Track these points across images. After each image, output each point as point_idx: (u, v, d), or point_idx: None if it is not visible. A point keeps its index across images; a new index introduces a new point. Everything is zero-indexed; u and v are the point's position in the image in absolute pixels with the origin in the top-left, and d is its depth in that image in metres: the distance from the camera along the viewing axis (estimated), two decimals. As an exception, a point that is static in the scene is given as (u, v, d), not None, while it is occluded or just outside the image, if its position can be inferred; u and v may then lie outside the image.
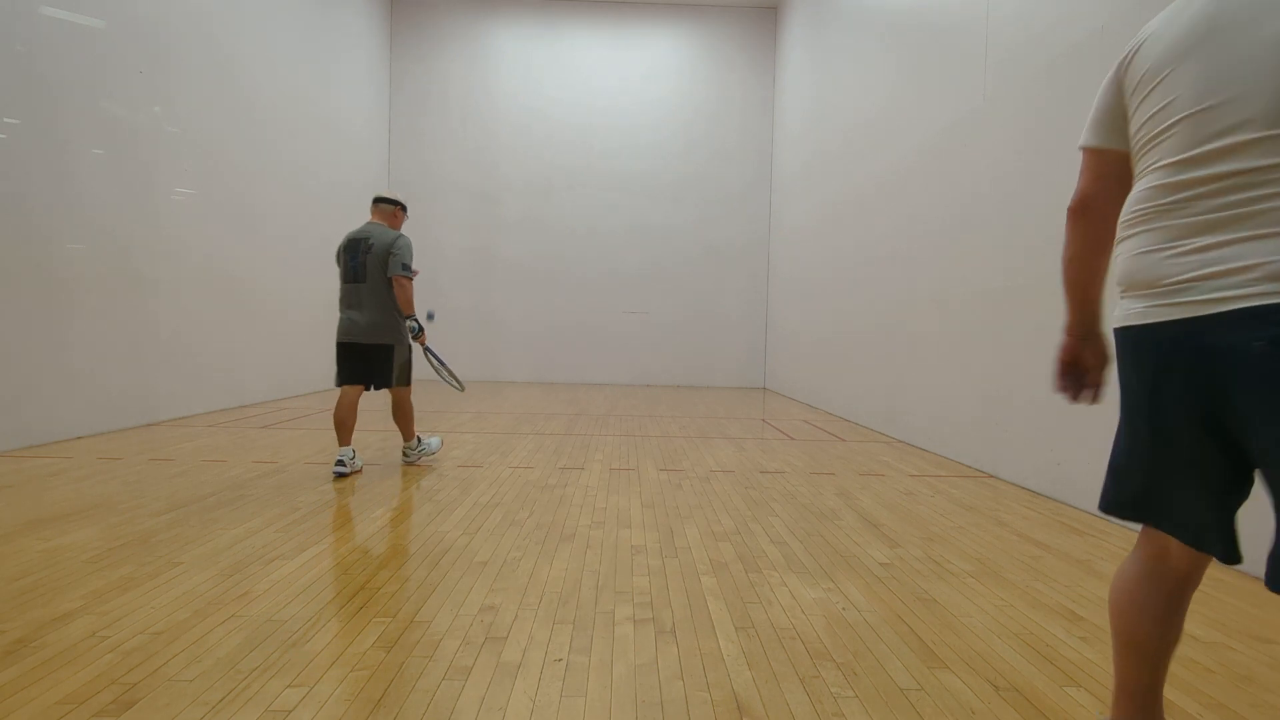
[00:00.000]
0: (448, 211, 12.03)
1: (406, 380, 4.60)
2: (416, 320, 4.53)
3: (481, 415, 7.25)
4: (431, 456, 4.90)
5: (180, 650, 1.96)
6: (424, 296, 11.83)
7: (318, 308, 9.48)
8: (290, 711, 1.67)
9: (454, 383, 5.08)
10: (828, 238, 8.73)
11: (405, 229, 6.56)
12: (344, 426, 4.29)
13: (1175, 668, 1.97)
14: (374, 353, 4.41)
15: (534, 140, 12.07)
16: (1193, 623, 2.31)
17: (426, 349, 4.84)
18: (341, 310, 4.46)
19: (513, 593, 2.47)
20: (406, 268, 4.43)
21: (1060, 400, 4.00)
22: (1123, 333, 1.34)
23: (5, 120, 4.76)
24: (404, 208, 4.74)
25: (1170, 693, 1.84)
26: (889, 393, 6.57)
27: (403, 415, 4.62)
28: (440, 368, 5.01)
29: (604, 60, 12.10)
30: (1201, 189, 1.19)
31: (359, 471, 4.39)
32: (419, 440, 4.77)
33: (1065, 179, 4.03)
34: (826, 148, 8.89)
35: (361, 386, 4.42)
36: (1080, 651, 2.09)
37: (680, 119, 12.16)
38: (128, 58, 5.87)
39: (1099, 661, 2.03)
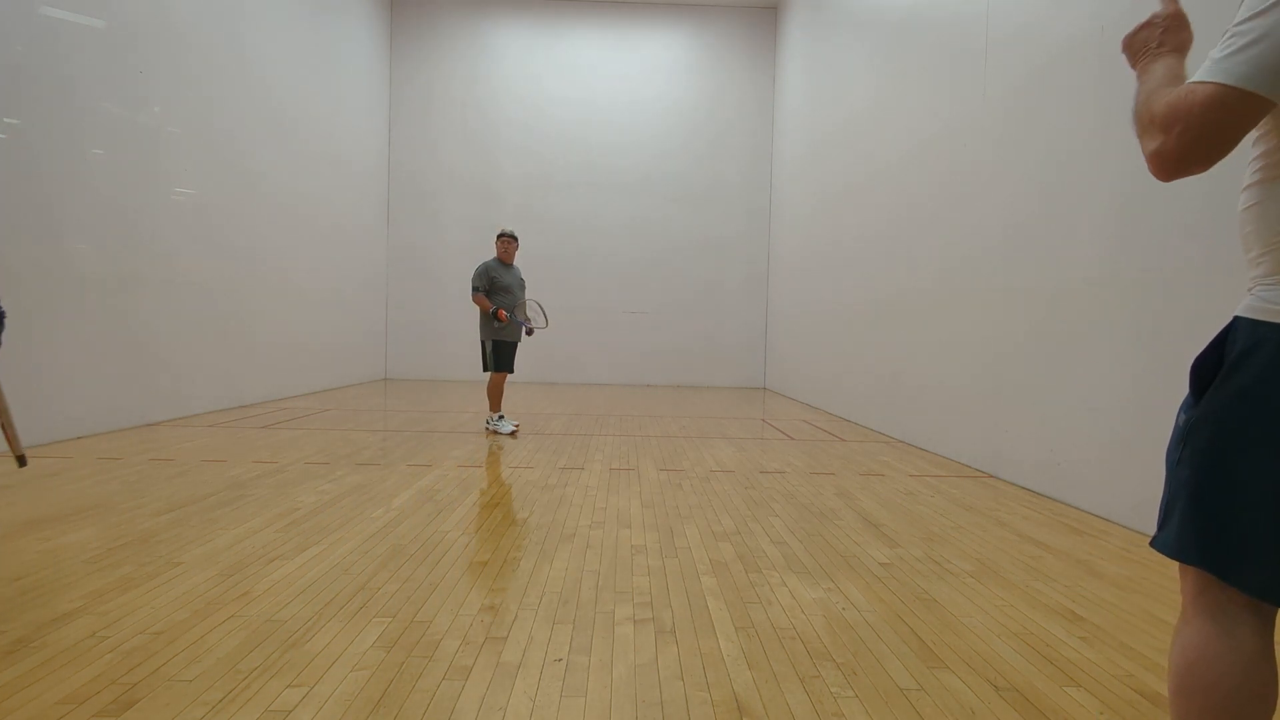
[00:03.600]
0: (448, 210, 12.03)
1: (490, 367, 6.21)
2: (495, 311, 6.09)
3: (481, 415, 7.24)
4: (497, 434, 6.14)
5: (180, 650, 1.96)
6: (426, 295, 11.83)
7: (318, 308, 9.49)
8: (290, 711, 1.67)
9: (540, 323, 6.50)
10: (827, 237, 8.73)
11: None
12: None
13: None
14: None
15: (534, 139, 12.06)
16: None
17: (510, 317, 6.19)
18: None
19: (513, 593, 2.47)
20: (475, 289, 6.13)
21: (1060, 400, 4.03)
22: None
23: (6, 120, 4.76)
24: (499, 236, 6.29)
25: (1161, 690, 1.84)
26: (889, 392, 6.57)
27: (488, 392, 6.27)
28: (525, 323, 6.36)
29: (604, 59, 12.09)
30: None
31: (499, 432, 6.15)
32: (497, 417, 6.25)
33: (1064, 178, 4.04)
34: (826, 147, 8.89)
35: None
36: (1080, 651, 2.09)
37: (680, 118, 12.15)
38: (128, 58, 5.87)
39: (1099, 661, 2.03)
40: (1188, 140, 0.97)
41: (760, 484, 4.36)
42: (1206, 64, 0.97)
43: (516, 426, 6.27)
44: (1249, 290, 1.06)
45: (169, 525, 3.15)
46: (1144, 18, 1.19)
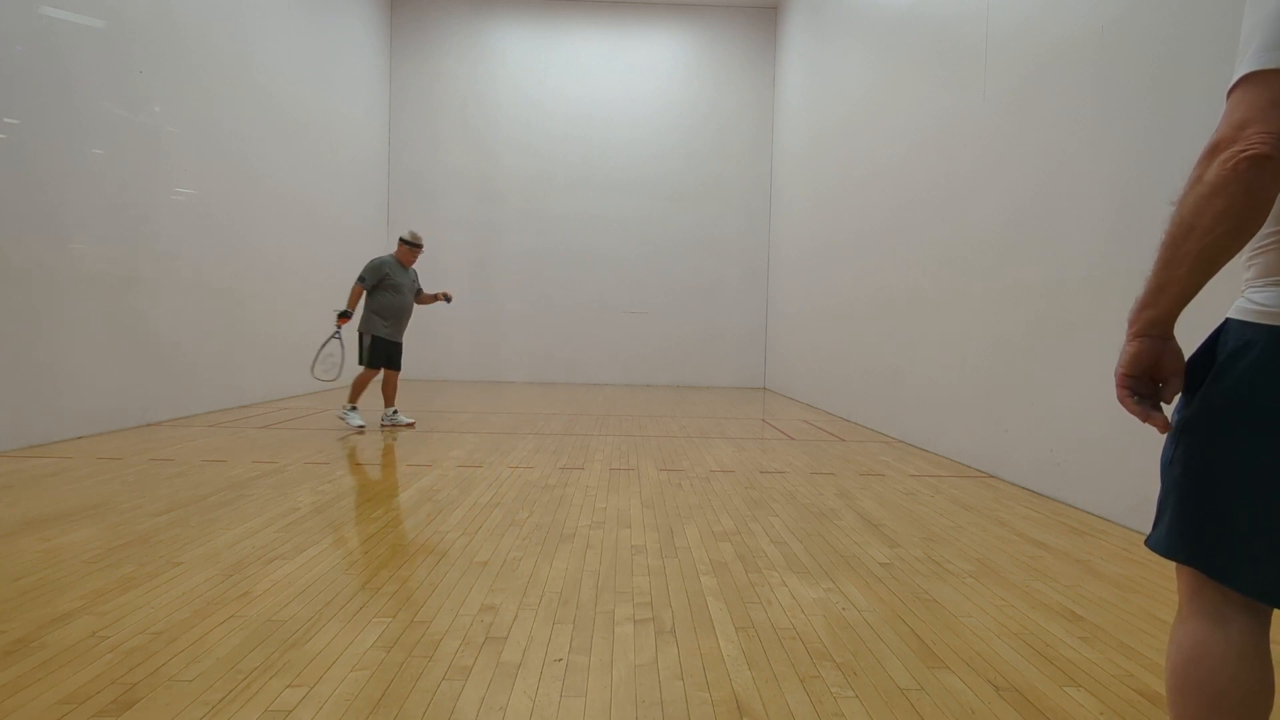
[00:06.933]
0: (447, 211, 12.03)
1: (363, 361, 6.16)
2: (348, 310, 6.11)
3: (481, 415, 7.25)
4: (344, 425, 6.18)
5: (180, 650, 1.96)
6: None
7: (318, 308, 9.48)
8: (290, 711, 1.67)
9: (319, 365, 6.27)
10: (826, 236, 8.73)
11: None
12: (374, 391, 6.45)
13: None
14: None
15: (534, 138, 12.06)
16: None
17: (335, 331, 6.26)
18: None
19: (513, 593, 2.47)
20: (361, 279, 6.15)
21: (1059, 399, 4.03)
22: None
23: (5, 120, 4.76)
24: (401, 240, 6.32)
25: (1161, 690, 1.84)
26: (889, 392, 6.57)
27: (355, 383, 6.21)
28: (321, 350, 6.30)
29: (604, 60, 12.09)
30: None
31: (348, 424, 6.12)
32: (350, 407, 6.18)
33: (1063, 175, 4.04)
34: (825, 145, 8.89)
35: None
36: (1080, 651, 2.09)
37: (680, 119, 12.15)
38: (128, 58, 5.86)
39: (1099, 661, 2.03)
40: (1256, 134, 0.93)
41: (760, 484, 4.36)
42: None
43: (363, 426, 6.13)
44: (1241, 293, 1.09)
45: (169, 525, 3.14)
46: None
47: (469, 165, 12.02)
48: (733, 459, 5.23)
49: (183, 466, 4.41)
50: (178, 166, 6.52)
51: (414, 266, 6.43)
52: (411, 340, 11.99)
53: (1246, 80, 0.96)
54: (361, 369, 6.17)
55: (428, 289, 10.67)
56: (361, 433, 6.01)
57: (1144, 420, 1.08)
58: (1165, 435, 1.13)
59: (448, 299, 6.53)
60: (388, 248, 11.92)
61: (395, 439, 5.74)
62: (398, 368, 6.35)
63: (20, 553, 2.74)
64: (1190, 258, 0.99)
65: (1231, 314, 1.07)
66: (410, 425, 6.37)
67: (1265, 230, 1.05)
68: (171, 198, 6.45)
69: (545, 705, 1.74)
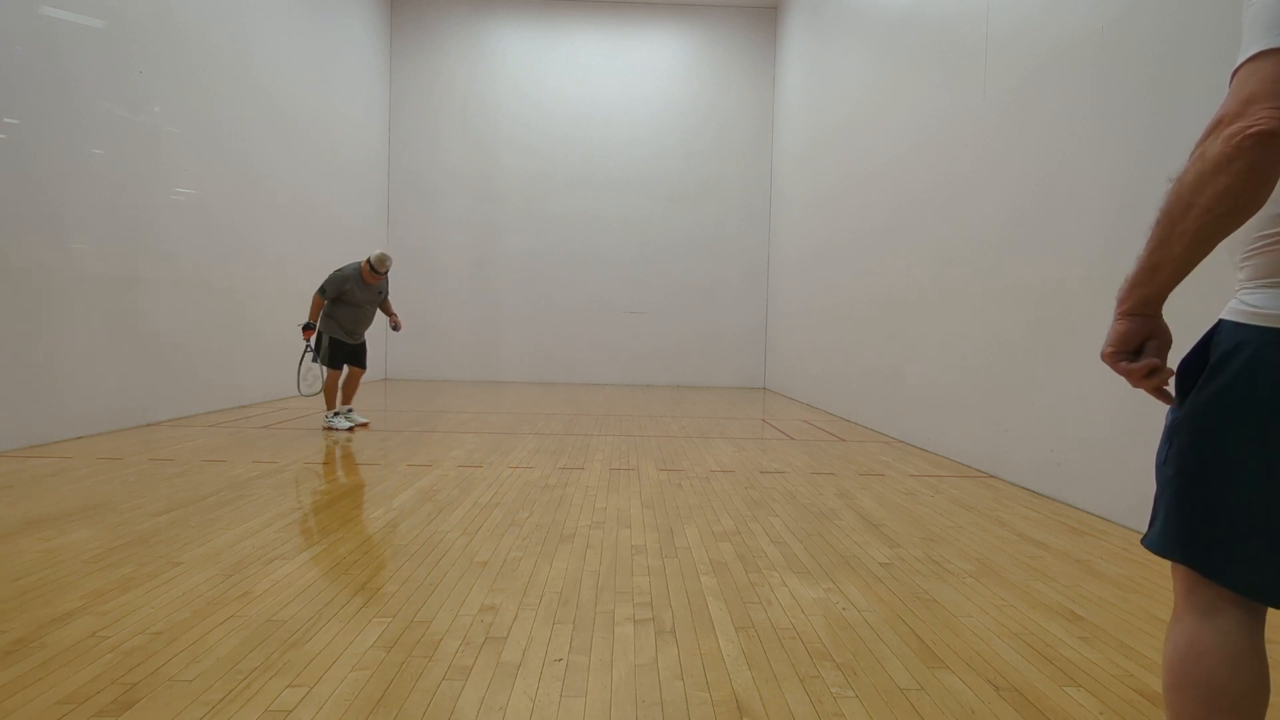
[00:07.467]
0: (447, 211, 12.03)
1: (324, 361, 6.10)
2: (311, 323, 6.08)
3: (481, 415, 7.25)
4: (332, 430, 6.09)
5: (180, 650, 1.96)
6: (427, 295, 11.80)
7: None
8: (290, 711, 1.67)
9: (302, 381, 6.16)
10: (826, 236, 8.73)
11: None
12: (336, 391, 6.23)
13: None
14: None
15: (534, 138, 12.06)
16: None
17: (306, 344, 6.17)
18: None
19: (513, 593, 2.47)
20: (322, 290, 6.07)
21: (1059, 399, 4.03)
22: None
23: (5, 120, 4.76)
24: (368, 261, 6.12)
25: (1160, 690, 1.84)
26: (889, 392, 6.57)
27: (325, 392, 6.16)
28: (300, 368, 6.21)
29: (604, 60, 12.08)
30: None
31: (336, 429, 6.06)
32: (332, 414, 6.16)
33: (1063, 175, 4.04)
34: (825, 145, 8.89)
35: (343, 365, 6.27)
36: (1080, 651, 2.09)
37: (680, 117, 12.15)
38: (128, 58, 5.86)
39: (1099, 661, 2.03)
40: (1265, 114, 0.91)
41: (760, 484, 4.36)
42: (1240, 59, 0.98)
43: (353, 427, 6.13)
44: (1235, 294, 1.09)
45: (169, 525, 3.14)
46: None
47: (469, 165, 12.02)
48: (733, 459, 5.23)
49: (183, 466, 4.41)
50: (178, 166, 6.52)
51: (386, 278, 6.28)
52: (411, 339, 12.09)
53: (1255, 58, 0.94)
54: (326, 373, 6.13)
55: (424, 289, 10.49)
56: (353, 432, 6.01)
57: (1145, 370, 1.06)
58: (1161, 435, 1.14)
59: (396, 328, 6.48)
60: (389, 247, 11.93)
61: (348, 440, 5.72)
62: (363, 366, 6.32)
63: (20, 553, 2.74)
64: (1187, 236, 0.98)
65: (1225, 315, 1.08)
66: (364, 425, 6.27)
67: (1257, 234, 1.05)
68: (171, 198, 6.45)
69: (545, 705, 1.74)
